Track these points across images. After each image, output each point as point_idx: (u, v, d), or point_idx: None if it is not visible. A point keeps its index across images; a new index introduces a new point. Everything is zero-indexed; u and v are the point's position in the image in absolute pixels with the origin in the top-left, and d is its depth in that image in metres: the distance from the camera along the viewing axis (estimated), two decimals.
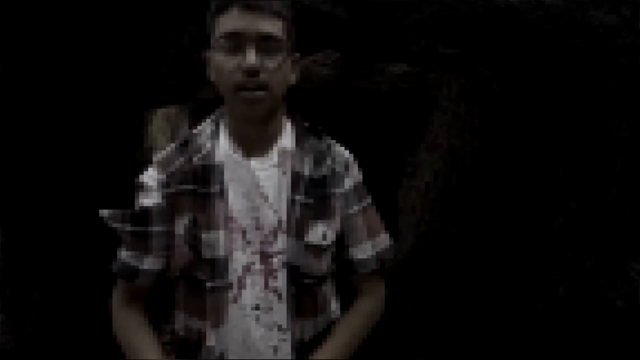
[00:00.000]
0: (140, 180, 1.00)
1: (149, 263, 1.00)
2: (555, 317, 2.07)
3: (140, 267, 1.00)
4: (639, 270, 1.73)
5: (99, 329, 2.22)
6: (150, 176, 0.99)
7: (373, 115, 5.46)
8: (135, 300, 1.04)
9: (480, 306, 2.71)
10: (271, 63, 0.89)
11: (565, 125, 2.17)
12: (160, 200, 0.98)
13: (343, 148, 1.08)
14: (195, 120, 5.54)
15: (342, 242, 1.05)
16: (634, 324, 1.70)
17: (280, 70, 0.92)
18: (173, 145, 1.02)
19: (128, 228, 0.98)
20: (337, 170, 1.03)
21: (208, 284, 0.95)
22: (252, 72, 0.88)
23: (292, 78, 0.99)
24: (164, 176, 0.98)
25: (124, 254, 1.01)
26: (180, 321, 1.03)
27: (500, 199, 2.77)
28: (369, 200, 1.09)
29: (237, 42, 0.88)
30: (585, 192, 2.03)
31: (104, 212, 0.98)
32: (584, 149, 2.05)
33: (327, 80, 4.53)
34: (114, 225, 0.98)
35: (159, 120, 4.35)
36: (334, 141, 1.08)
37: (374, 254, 1.07)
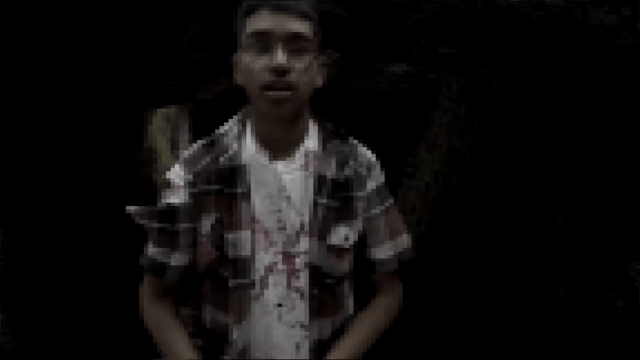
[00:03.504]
0: (167, 178, 1.02)
1: (177, 259, 1.02)
2: (555, 317, 2.07)
3: (168, 263, 1.02)
4: (639, 270, 1.73)
5: (98, 329, 2.22)
6: (177, 174, 1.01)
7: (373, 115, 5.46)
8: (165, 295, 1.07)
9: (480, 306, 2.71)
10: (299, 63, 0.90)
11: (565, 125, 2.17)
12: (186, 199, 0.99)
13: (366, 149, 1.09)
14: (195, 121, 5.55)
15: (363, 242, 1.07)
16: (634, 324, 1.70)
17: (308, 71, 0.92)
18: (199, 143, 1.04)
19: (155, 225, 1.00)
20: (360, 172, 1.04)
21: (231, 282, 0.98)
22: (281, 72, 0.88)
23: (319, 80, 1.00)
24: (191, 175, 1.00)
25: (151, 250, 1.03)
26: (208, 314, 1.05)
27: (500, 199, 2.77)
28: (391, 200, 1.10)
29: (265, 41, 0.89)
30: (585, 192, 2.03)
31: (131, 209, 1.00)
32: (584, 149, 2.05)
33: (327, 80, 4.53)
34: (141, 221, 1.01)
35: (159, 120, 4.34)
36: (357, 143, 1.09)
37: (395, 254, 1.08)
